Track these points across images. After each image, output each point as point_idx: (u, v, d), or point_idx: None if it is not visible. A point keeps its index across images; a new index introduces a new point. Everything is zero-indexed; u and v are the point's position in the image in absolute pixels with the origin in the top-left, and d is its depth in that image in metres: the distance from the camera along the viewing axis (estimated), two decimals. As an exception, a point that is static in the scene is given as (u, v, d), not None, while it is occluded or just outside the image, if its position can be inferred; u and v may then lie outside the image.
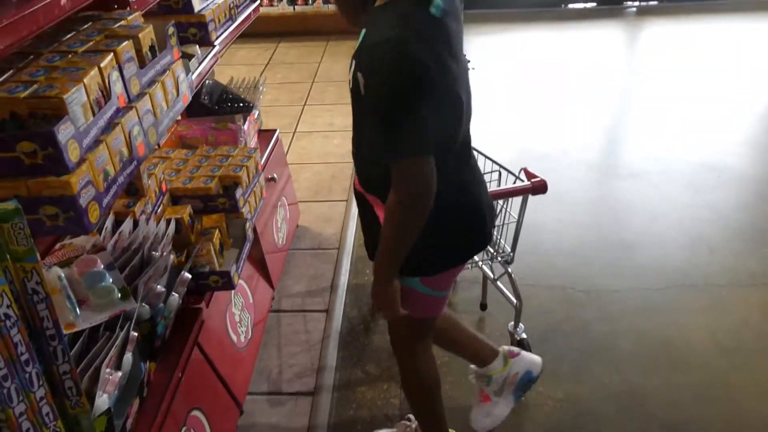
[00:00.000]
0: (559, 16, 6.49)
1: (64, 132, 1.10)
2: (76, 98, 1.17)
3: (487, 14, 6.30)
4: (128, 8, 1.54)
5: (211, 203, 2.20)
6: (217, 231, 2.12)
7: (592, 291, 2.82)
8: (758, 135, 4.18)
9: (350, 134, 1.50)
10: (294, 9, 6.03)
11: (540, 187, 2.07)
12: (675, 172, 3.70)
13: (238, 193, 2.20)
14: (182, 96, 1.61)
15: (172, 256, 1.83)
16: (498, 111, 4.57)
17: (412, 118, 1.20)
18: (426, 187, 1.29)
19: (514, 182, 2.15)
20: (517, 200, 2.18)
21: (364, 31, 1.31)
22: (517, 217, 2.20)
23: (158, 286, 1.73)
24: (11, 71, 1.27)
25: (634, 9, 6.48)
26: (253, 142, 2.75)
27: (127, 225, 1.84)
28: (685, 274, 2.90)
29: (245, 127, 2.60)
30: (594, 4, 6.55)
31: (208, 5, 2.22)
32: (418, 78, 1.18)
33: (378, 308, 1.54)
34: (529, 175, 2.11)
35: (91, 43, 1.38)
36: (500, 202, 2.18)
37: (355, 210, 3.26)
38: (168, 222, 1.95)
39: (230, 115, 2.62)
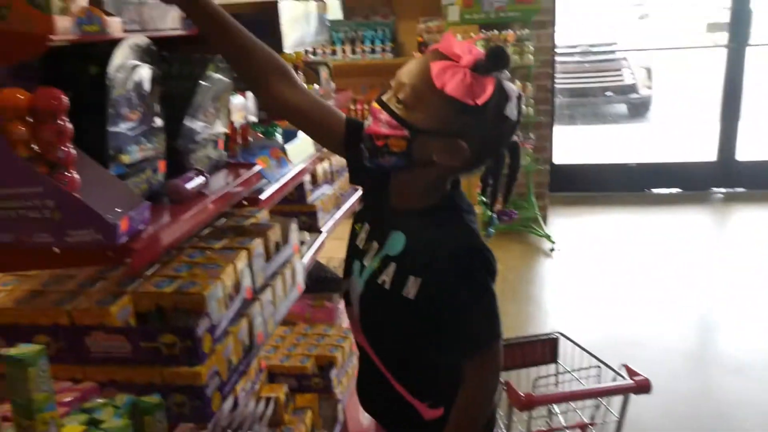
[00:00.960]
0: (643, 200, 6.55)
1: (202, 327, 1.20)
2: (214, 294, 1.29)
3: (570, 197, 6.45)
4: (257, 206, 1.71)
5: (305, 382, 2.24)
6: (309, 412, 2.13)
7: (701, 499, 2.59)
8: None
9: None
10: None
11: (644, 387, 2.00)
12: (782, 368, 3.49)
13: (333, 373, 2.24)
14: (297, 286, 1.72)
15: (268, 439, 1.85)
16: (583, 294, 4.52)
17: (495, 310, 1.37)
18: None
19: (614, 379, 2.10)
20: (616, 397, 2.11)
21: (400, 235, 1.41)
22: (618, 416, 2.11)
23: (253, 471, 1.74)
24: (157, 265, 1.41)
25: (721, 195, 6.48)
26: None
27: (228, 404, 1.89)
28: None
29: (341, 306, 2.69)
30: (679, 189, 6.60)
31: (318, 196, 2.42)
32: (495, 278, 1.37)
33: None
34: (631, 372, 2.06)
35: (226, 240, 1.53)
36: (601, 399, 2.12)
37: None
38: (267, 401, 1.99)
39: (327, 293, 2.74)
